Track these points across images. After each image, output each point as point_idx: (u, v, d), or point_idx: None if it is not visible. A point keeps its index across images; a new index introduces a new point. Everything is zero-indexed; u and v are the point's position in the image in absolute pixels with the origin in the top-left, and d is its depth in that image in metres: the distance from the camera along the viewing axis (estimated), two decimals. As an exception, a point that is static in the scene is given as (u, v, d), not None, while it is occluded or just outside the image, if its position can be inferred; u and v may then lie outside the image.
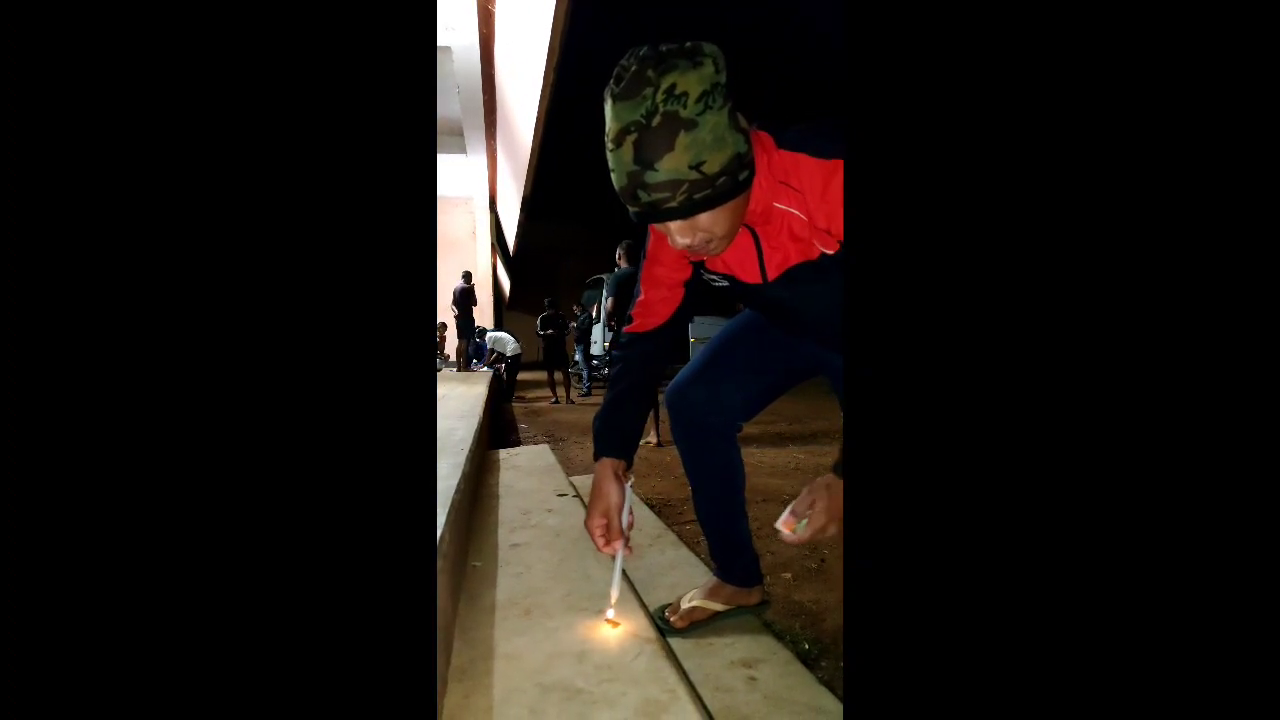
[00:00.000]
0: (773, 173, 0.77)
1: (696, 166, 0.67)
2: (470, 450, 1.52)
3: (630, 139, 0.67)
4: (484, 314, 9.92)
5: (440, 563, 0.78)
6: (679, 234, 0.75)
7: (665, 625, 1.08)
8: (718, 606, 1.09)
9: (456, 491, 1.09)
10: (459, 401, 2.95)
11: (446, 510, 0.93)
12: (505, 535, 1.26)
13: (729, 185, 0.70)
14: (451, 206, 10.35)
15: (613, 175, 0.71)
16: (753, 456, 2.98)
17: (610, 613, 0.84)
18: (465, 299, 7.80)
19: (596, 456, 0.93)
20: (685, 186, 0.68)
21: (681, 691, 0.66)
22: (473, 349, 7.94)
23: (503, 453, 2.23)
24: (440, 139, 7.81)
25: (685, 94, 0.64)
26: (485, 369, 7.09)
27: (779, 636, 1.04)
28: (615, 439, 0.94)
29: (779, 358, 1.06)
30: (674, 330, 1.04)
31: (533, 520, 1.35)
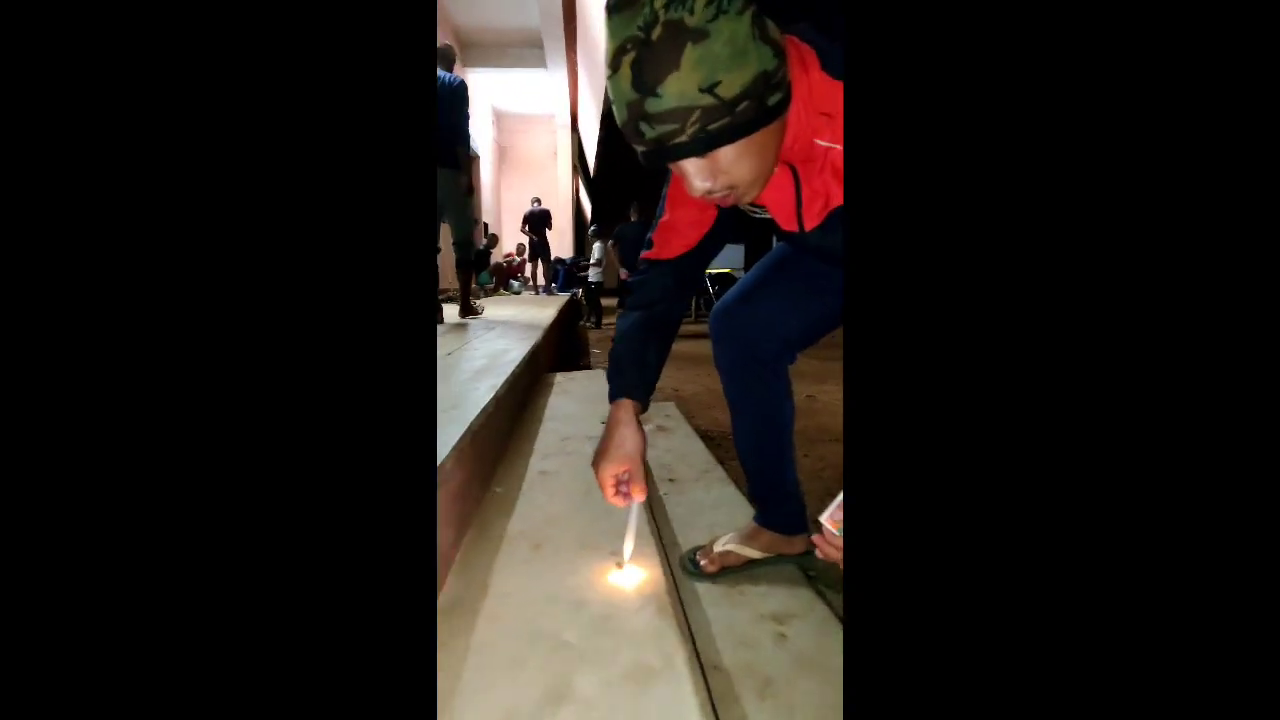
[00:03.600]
0: (813, 100, 0.61)
1: (710, 89, 0.52)
2: (515, 372, 1.47)
3: (627, 59, 0.53)
4: (564, 237, 9.89)
5: (447, 488, 0.73)
6: (696, 176, 0.60)
7: (695, 568, 1.00)
8: (754, 553, 1.00)
9: (482, 413, 1.03)
10: (523, 324, 2.93)
11: (463, 431, 0.88)
12: (537, 461, 1.21)
13: (753, 112, 0.55)
14: (530, 125, 10.16)
15: (614, 108, 0.57)
16: (809, 391, 2.81)
17: (626, 555, 0.76)
18: (539, 222, 7.78)
19: (612, 396, 0.82)
20: (697, 115, 0.54)
21: (680, 658, 0.58)
22: (550, 273, 7.98)
23: (559, 376, 2.19)
24: (517, 51, 7.57)
25: None
26: (563, 293, 7.12)
27: (820, 593, 0.93)
28: (633, 375, 0.82)
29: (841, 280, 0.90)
30: (699, 261, 0.89)
31: (569, 447, 1.29)
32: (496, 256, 8.26)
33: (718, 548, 1.01)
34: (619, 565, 0.76)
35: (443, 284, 3.17)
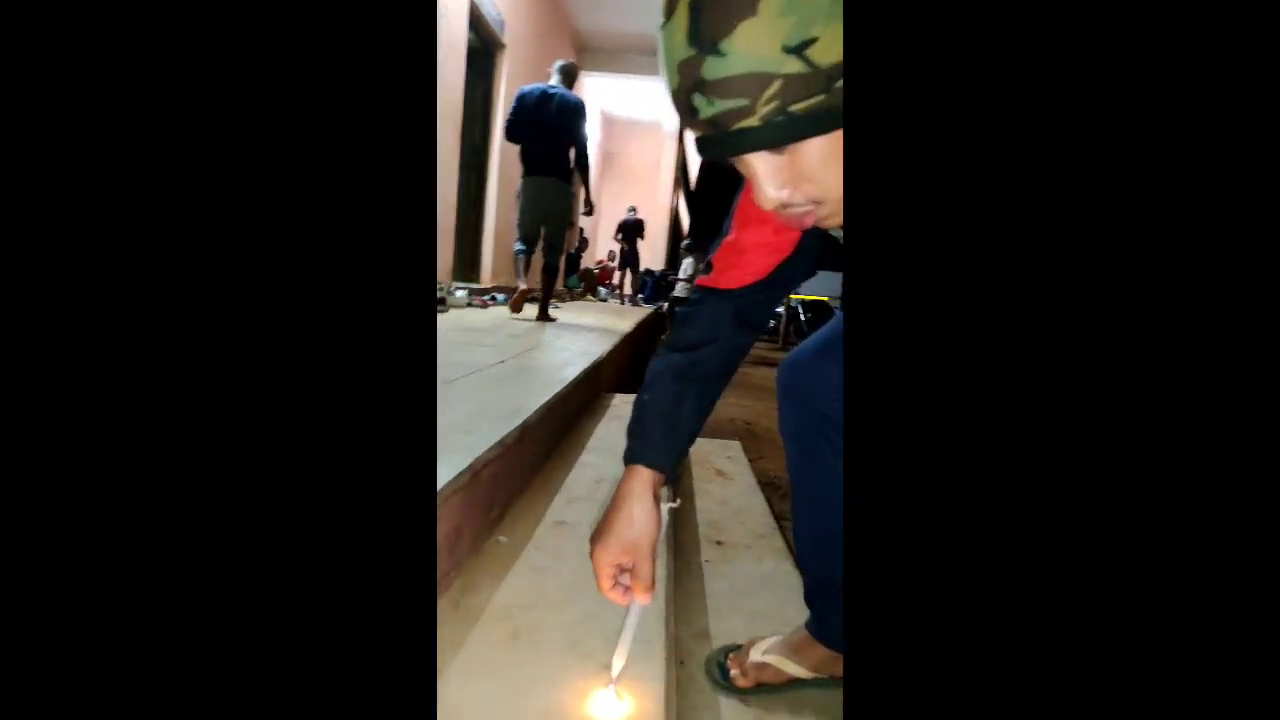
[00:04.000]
0: None
1: (798, 48, 0.36)
2: (559, 394, 1.32)
3: (684, 4, 0.37)
4: (657, 249, 9.79)
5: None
6: (767, 181, 0.42)
7: (723, 677, 0.80)
8: (799, 671, 0.78)
9: (498, 445, 0.88)
10: (594, 335, 2.81)
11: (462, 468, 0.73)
12: (559, 506, 1.04)
13: None
14: (638, 132, 10.17)
15: (662, 72, 0.41)
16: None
17: (614, 672, 0.58)
18: (631, 231, 7.73)
19: (627, 458, 0.64)
20: (775, 88, 0.37)
21: None
22: (638, 283, 7.91)
23: (618, 399, 2.02)
24: (633, 57, 7.57)
25: None
26: (649, 304, 7.01)
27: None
28: (657, 437, 0.63)
29: None
30: (769, 297, 0.69)
31: (600, 492, 1.12)
32: (587, 261, 8.29)
33: (755, 655, 0.80)
34: (610, 683, 0.58)
35: (529, 284, 3.25)
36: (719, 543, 1.25)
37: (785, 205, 0.44)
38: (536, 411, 1.12)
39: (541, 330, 2.76)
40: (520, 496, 1.04)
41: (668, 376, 0.66)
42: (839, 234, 0.59)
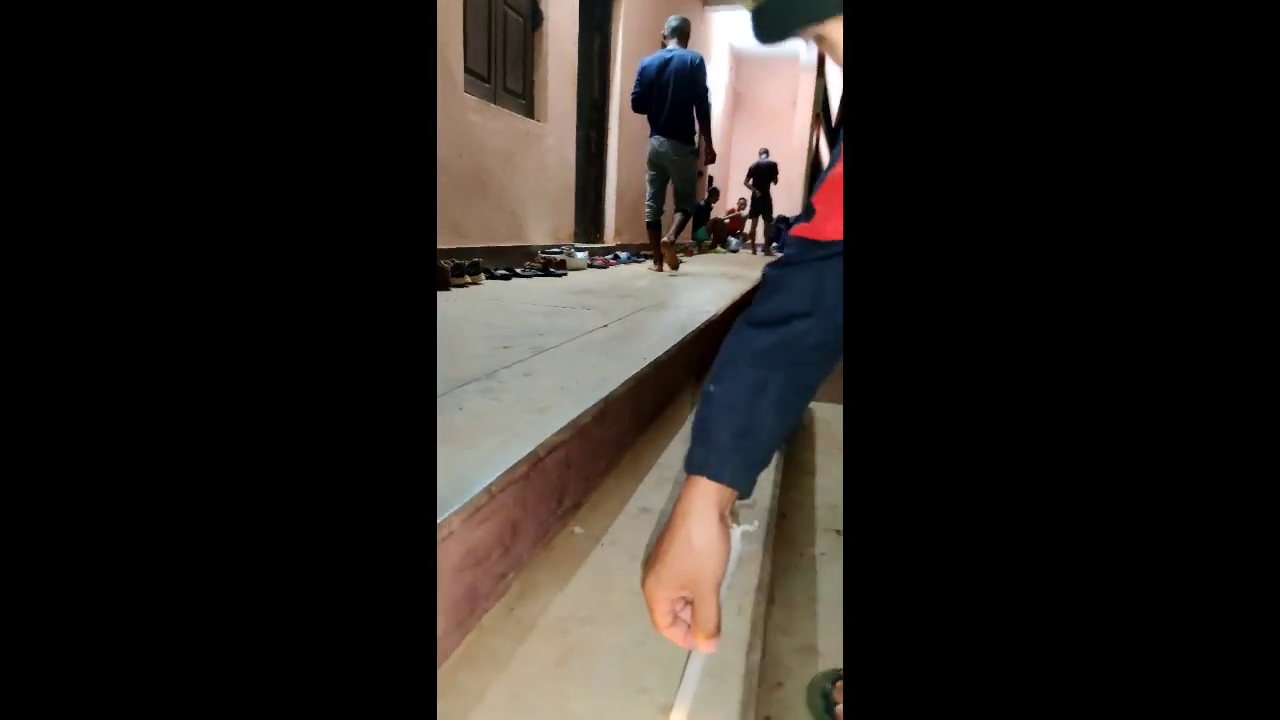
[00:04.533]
0: None
1: None
2: (659, 359, 1.22)
3: None
4: (793, 194, 9.18)
5: (481, 530, 0.48)
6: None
7: (825, 711, 0.67)
8: (922, 714, 0.63)
9: (569, 427, 0.80)
10: (713, 292, 2.65)
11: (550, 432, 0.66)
12: (646, 490, 0.95)
13: None
14: (771, 69, 9.49)
15: None
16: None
17: (669, 722, 0.48)
18: (764, 176, 7.30)
19: (689, 468, 0.50)
20: None
21: None
22: (771, 232, 7.50)
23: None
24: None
25: None
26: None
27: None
28: (726, 441, 0.49)
29: None
30: None
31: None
32: (718, 212, 8.01)
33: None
34: (664, 732, 0.48)
35: (665, 238, 3.44)
36: (838, 532, 1.10)
37: None
38: (624, 384, 1.02)
39: (659, 288, 2.66)
40: (606, 478, 0.96)
41: (743, 361, 0.51)
42: None
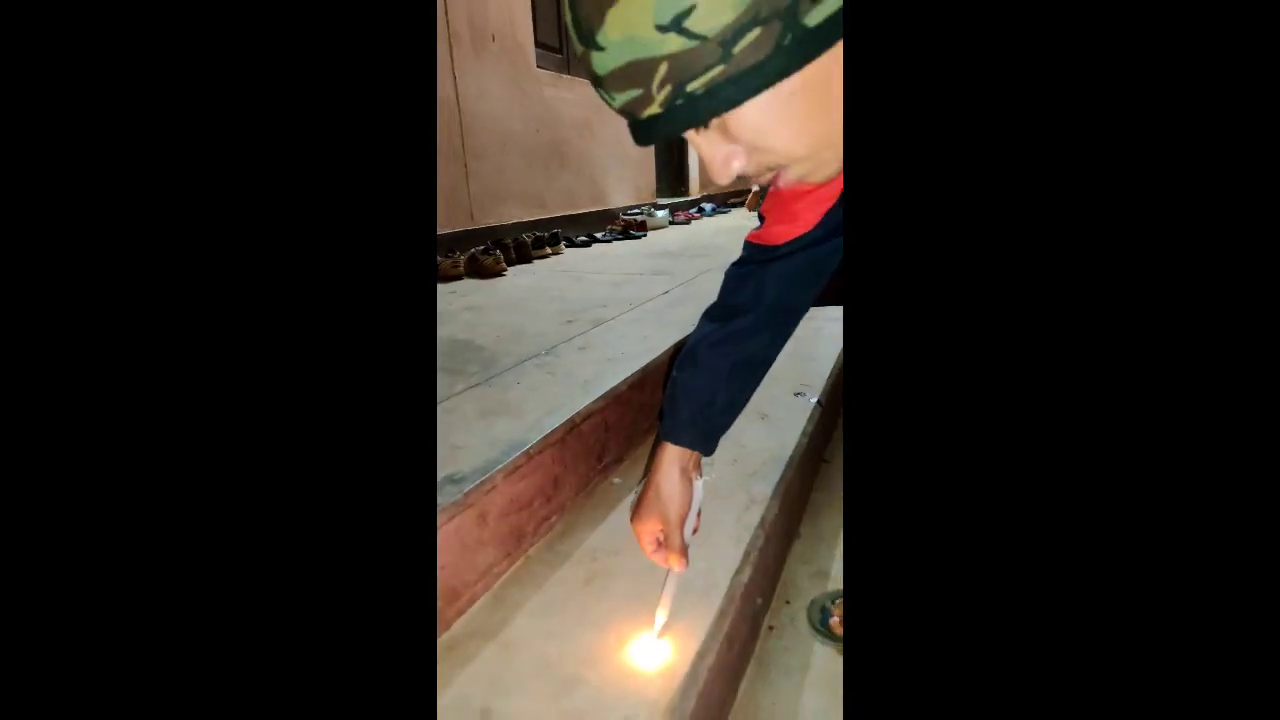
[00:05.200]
0: None
1: (674, 23, 0.32)
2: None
3: (565, 2, 0.35)
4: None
5: (530, 480, 0.65)
6: (710, 158, 0.40)
7: (821, 623, 0.80)
8: (901, 629, 0.74)
9: (606, 396, 0.95)
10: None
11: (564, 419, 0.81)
12: (683, 444, 1.09)
13: (777, 43, 0.33)
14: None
15: None
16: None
17: (657, 627, 0.63)
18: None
19: (660, 435, 0.64)
20: (664, 70, 0.34)
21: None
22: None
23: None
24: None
25: None
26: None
27: None
28: (687, 416, 0.62)
29: None
30: (834, 245, 0.60)
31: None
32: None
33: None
34: (655, 632, 0.63)
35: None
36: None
37: (748, 174, 0.40)
38: (665, 352, 1.15)
39: (736, 242, 2.70)
40: (648, 436, 1.11)
41: (700, 350, 0.64)
42: None
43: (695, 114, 0.35)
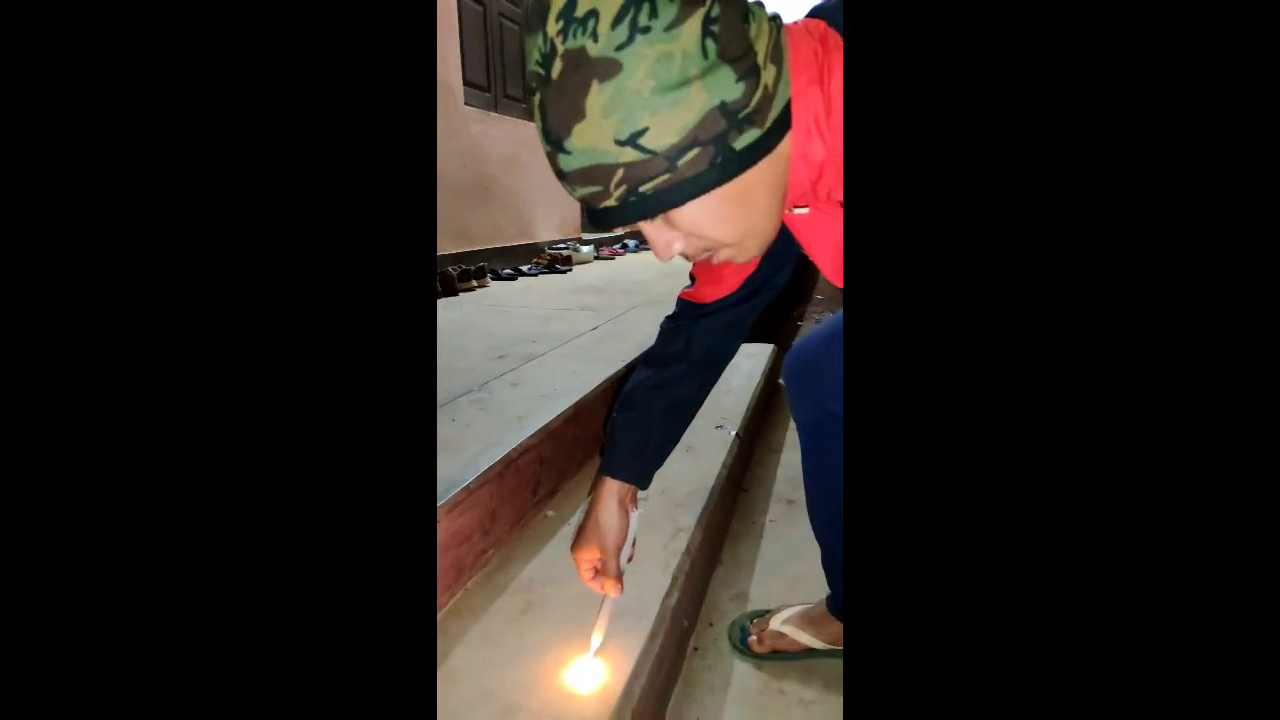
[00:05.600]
0: (835, 104, 0.43)
1: (631, 140, 0.38)
2: (633, 362, 1.39)
3: (535, 101, 0.40)
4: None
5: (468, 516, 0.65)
6: (654, 241, 0.46)
7: (741, 642, 0.86)
8: (813, 642, 0.81)
9: (540, 432, 0.99)
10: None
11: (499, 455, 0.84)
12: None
13: (707, 161, 0.40)
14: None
15: None
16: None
17: (592, 649, 0.67)
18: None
19: (601, 469, 0.70)
20: (620, 175, 0.40)
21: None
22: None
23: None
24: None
25: (594, 12, 0.36)
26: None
27: None
28: (625, 454, 0.69)
29: None
30: (754, 304, 0.69)
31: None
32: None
33: (775, 624, 0.84)
34: (590, 655, 0.67)
35: None
36: (790, 502, 1.27)
37: (688, 254, 0.47)
38: (596, 388, 1.21)
39: (659, 280, 2.81)
40: (581, 470, 1.15)
41: (638, 394, 0.70)
42: None
43: (645, 209, 0.42)
